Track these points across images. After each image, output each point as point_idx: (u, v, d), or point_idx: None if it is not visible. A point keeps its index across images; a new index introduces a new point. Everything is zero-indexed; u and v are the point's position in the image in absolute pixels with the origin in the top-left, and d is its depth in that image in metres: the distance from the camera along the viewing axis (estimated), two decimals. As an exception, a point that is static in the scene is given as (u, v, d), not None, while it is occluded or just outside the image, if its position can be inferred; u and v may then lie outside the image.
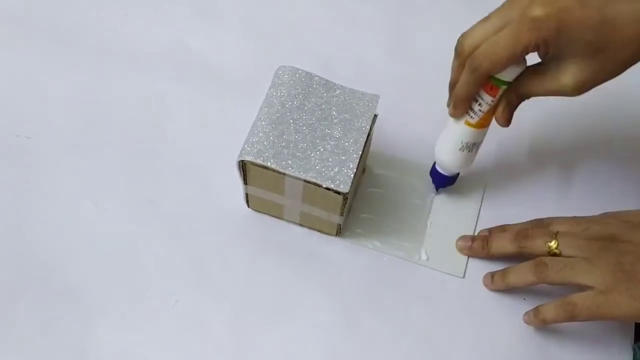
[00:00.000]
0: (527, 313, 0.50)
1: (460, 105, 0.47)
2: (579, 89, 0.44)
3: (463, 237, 0.54)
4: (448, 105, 0.48)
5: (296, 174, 0.46)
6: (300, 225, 0.54)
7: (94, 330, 0.49)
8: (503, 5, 0.44)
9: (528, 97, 0.47)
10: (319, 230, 0.54)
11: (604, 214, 0.51)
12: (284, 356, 0.49)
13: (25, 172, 0.56)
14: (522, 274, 0.49)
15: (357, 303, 0.51)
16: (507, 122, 0.47)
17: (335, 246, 0.54)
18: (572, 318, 0.46)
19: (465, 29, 0.45)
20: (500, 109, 0.47)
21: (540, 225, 0.51)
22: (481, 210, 0.56)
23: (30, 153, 0.57)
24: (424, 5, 0.69)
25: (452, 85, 0.48)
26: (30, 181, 0.56)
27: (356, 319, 0.51)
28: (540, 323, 0.49)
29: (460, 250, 0.53)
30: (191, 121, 0.60)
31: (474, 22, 0.45)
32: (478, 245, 0.52)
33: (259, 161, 0.46)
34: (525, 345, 0.50)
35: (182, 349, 0.49)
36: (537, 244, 0.48)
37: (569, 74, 0.43)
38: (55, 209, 0.54)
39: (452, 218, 0.55)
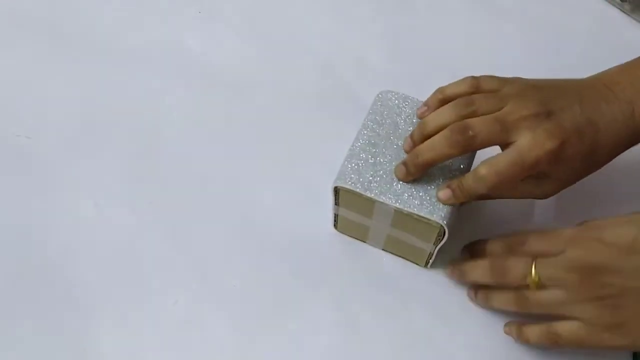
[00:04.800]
0: (509, 326, 0.49)
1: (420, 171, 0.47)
2: (551, 195, 0.48)
3: (448, 267, 0.52)
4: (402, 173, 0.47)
5: (391, 203, 0.45)
6: (384, 250, 0.54)
7: (94, 330, 0.49)
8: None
9: (490, 198, 0.49)
10: (405, 258, 0.53)
11: (581, 227, 0.44)
12: (284, 356, 0.49)
13: (25, 172, 0.56)
14: (504, 302, 0.48)
15: (356, 303, 0.51)
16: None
17: (335, 245, 0.54)
18: (555, 346, 0.46)
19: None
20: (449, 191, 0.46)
21: (515, 249, 0.48)
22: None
23: (30, 153, 0.57)
24: (424, 5, 0.69)
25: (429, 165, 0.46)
26: (30, 181, 0.56)
27: (356, 319, 0.51)
28: (523, 342, 0.49)
29: (450, 277, 0.52)
30: (191, 121, 0.60)
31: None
32: (455, 275, 0.51)
33: (354, 189, 0.46)
34: (525, 346, 0.50)
35: (182, 348, 0.49)
36: (515, 277, 0.46)
37: (544, 188, 0.47)
38: (55, 209, 0.54)
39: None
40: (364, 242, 0.54)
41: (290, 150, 0.59)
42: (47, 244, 0.53)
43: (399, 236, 0.50)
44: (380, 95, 0.51)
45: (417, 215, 0.45)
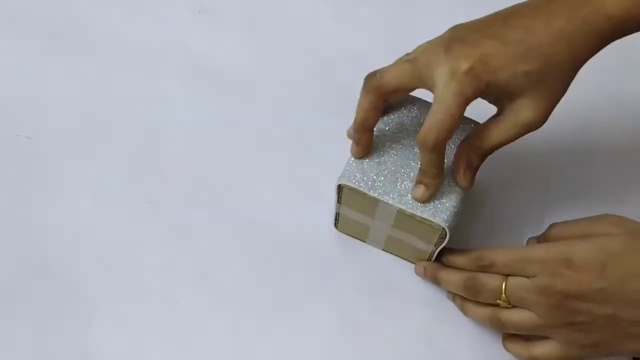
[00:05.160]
0: (503, 337, 0.50)
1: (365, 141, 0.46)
2: (542, 117, 0.44)
3: (420, 264, 0.52)
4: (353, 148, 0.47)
5: (394, 203, 0.45)
6: (384, 251, 0.54)
7: (94, 330, 0.49)
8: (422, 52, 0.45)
9: (492, 151, 0.46)
10: (405, 259, 0.53)
11: (550, 247, 0.44)
12: (284, 356, 0.49)
13: (25, 172, 0.56)
14: (479, 316, 0.48)
15: (356, 303, 0.51)
16: (470, 183, 0.46)
17: (335, 245, 0.54)
18: None
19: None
20: (461, 172, 0.45)
21: (485, 266, 0.46)
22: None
23: (30, 153, 0.57)
24: (424, 5, 0.69)
25: (361, 126, 0.46)
26: (30, 181, 0.56)
27: (356, 319, 0.51)
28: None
29: (418, 274, 0.52)
30: (191, 121, 0.60)
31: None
32: (428, 277, 0.51)
33: (358, 187, 0.46)
34: (525, 345, 0.50)
35: (182, 349, 0.49)
36: (487, 296, 0.46)
37: (527, 109, 0.43)
38: (55, 208, 0.54)
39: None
40: (364, 242, 0.54)
41: (290, 150, 0.59)
42: (47, 244, 0.53)
43: (400, 237, 0.50)
44: None
45: (420, 217, 0.45)
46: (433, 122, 0.42)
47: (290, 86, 0.63)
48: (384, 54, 0.65)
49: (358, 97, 0.45)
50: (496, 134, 0.45)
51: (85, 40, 0.64)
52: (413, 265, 0.53)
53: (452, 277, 0.48)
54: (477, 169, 0.46)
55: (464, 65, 0.41)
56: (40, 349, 0.49)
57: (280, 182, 0.57)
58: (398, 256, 0.53)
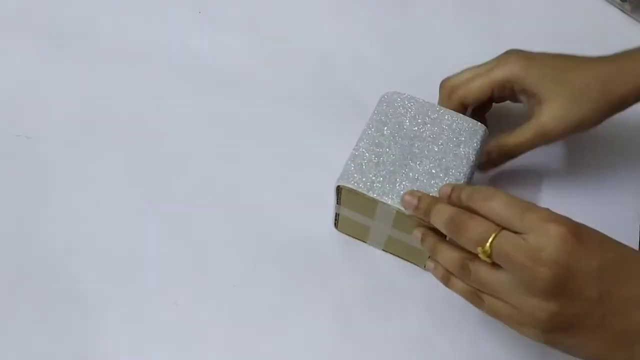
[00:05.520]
0: (432, 262, 0.46)
1: None
2: (562, 128, 0.50)
3: (410, 193, 0.45)
4: None
5: (393, 204, 0.45)
6: (384, 251, 0.54)
7: (94, 330, 0.49)
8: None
9: (510, 152, 0.53)
10: (405, 259, 0.53)
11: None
12: (284, 356, 0.49)
13: (25, 172, 0.56)
14: (447, 259, 0.43)
15: (356, 303, 0.51)
16: (482, 168, 0.54)
17: (335, 245, 0.54)
18: (475, 306, 0.43)
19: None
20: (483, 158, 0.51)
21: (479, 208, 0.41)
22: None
23: (30, 153, 0.57)
24: (424, 5, 0.69)
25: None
26: (30, 181, 0.56)
27: (355, 319, 0.51)
28: (446, 286, 0.45)
29: (405, 205, 0.45)
30: (191, 121, 0.60)
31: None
32: (420, 213, 0.44)
33: (357, 188, 0.46)
34: (525, 346, 0.50)
35: (182, 349, 0.49)
36: (469, 238, 0.40)
37: (550, 115, 0.50)
38: (56, 208, 0.54)
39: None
40: (364, 242, 0.54)
41: (290, 150, 0.59)
42: (47, 244, 0.53)
43: (400, 237, 0.50)
44: (385, 96, 0.51)
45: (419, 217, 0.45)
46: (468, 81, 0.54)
47: (290, 86, 0.63)
48: (383, 54, 0.66)
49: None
50: (514, 135, 0.52)
51: (85, 40, 0.64)
52: (413, 266, 0.53)
53: (445, 208, 0.43)
54: (494, 165, 0.54)
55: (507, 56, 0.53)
56: (40, 349, 0.49)
57: (280, 182, 0.57)
58: (398, 256, 0.53)
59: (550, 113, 0.50)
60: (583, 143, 0.60)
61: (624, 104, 0.50)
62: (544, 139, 0.51)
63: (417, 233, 0.46)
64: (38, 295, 0.50)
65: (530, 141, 0.52)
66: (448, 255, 0.43)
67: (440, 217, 0.42)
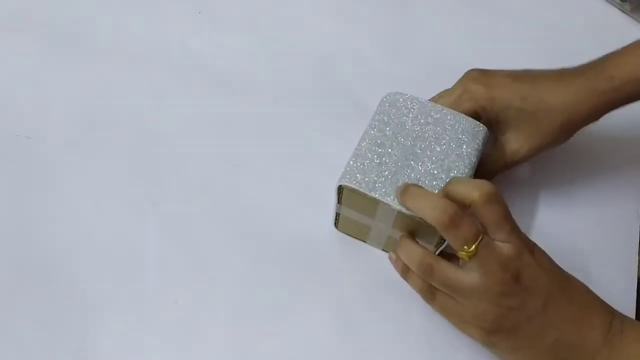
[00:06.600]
0: (395, 254, 0.48)
1: None
2: (527, 152, 0.52)
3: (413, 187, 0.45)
4: None
5: (395, 204, 0.45)
6: (384, 251, 0.54)
7: (94, 330, 0.49)
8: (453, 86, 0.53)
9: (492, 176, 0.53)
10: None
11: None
12: (283, 356, 0.49)
13: (25, 172, 0.56)
14: (416, 254, 0.45)
15: (356, 303, 0.51)
16: None
17: (335, 245, 0.54)
18: (426, 301, 0.47)
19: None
20: None
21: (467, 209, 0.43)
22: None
23: (30, 153, 0.57)
24: (424, 5, 0.69)
25: None
26: (31, 181, 0.56)
27: (356, 319, 0.51)
28: (403, 278, 0.49)
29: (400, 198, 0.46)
30: (191, 121, 0.60)
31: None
32: (400, 193, 0.45)
33: (359, 188, 0.46)
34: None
35: (182, 349, 0.49)
36: (461, 234, 0.41)
37: (514, 141, 0.52)
38: (56, 208, 0.54)
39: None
40: (364, 242, 0.54)
41: (290, 150, 0.59)
42: (47, 244, 0.53)
43: None
44: (388, 96, 0.51)
45: (420, 218, 0.45)
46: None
47: (290, 86, 0.63)
48: (383, 54, 0.66)
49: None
50: (495, 161, 0.53)
51: (85, 41, 0.64)
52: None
53: (434, 198, 0.43)
54: None
55: (473, 86, 0.51)
56: (39, 349, 0.49)
57: (280, 182, 0.57)
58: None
59: (515, 144, 0.52)
60: (583, 143, 0.60)
61: (586, 121, 0.51)
62: (508, 167, 0.53)
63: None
64: (38, 295, 0.50)
65: (497, 171, 0.54)
66: (414, 252, 0.46)
67: (428, 206, 0.43)
